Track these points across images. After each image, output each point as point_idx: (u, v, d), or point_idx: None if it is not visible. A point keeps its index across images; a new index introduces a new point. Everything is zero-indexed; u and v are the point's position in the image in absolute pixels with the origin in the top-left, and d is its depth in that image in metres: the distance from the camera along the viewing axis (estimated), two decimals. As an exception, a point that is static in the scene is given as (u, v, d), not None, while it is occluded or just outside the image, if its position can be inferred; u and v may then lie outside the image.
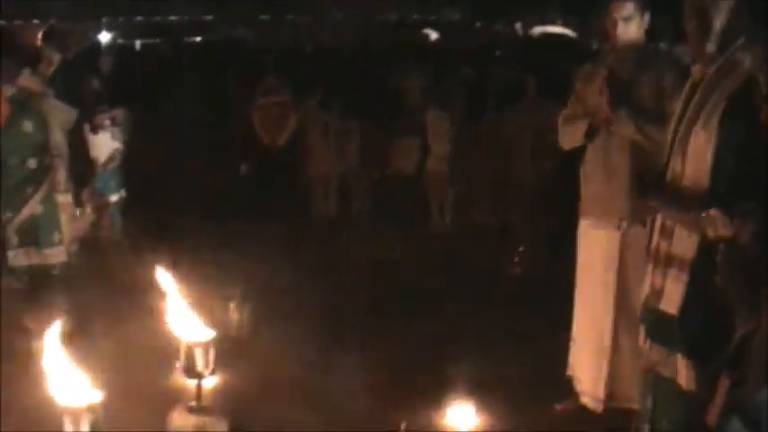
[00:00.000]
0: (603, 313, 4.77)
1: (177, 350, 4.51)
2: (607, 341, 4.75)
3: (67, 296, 6.34)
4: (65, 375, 3.37)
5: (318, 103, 9.91)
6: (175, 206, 8.42)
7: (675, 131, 3.33)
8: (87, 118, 7.83)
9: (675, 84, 4.13)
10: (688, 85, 3.36)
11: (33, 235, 7.08)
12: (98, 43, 17.17)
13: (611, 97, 4.56)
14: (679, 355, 3.22)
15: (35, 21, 17.54)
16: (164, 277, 4.95)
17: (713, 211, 2.96)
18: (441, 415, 4.82)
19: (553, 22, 18.93)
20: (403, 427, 4.35)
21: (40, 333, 3.63)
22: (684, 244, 3.19)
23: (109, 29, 22.31)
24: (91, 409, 3.31)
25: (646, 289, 3.42)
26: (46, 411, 3.55)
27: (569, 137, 4.90)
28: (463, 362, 5.22)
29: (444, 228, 9.59)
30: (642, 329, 3.49)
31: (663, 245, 3.31)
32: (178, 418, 4.56)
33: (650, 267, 3.39)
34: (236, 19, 23.83)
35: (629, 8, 4.59)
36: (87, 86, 8.08)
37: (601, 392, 4.79)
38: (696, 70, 3.33)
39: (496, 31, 21.14)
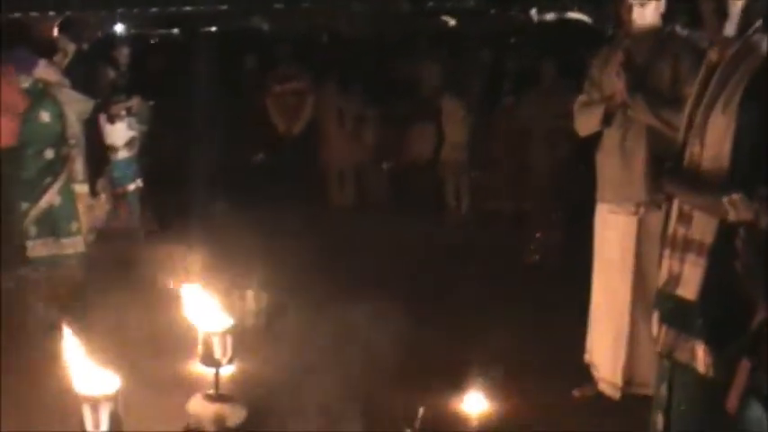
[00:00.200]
0: (621, 299, 4.76)
1: (195, 339, 4.54)
2: (625, 327, 4.74)
3: (85, 286, 6.37)
4: (83, 365, 3.38)
5: (334, 92, 9.90)
6: (192, 195, 8.43)
7: (691, 115, 3.30)
8: (103, 108, 7.85)
9: (692, 68, 4.10)
10: (704, 69, 3.33)
11: (51, 225, 7.11)
12: (113, 34, 17.21)
13: (627, 82, 4.54)
14: (697, 341, 3.20)
15: (51, 12, 17.59)
16: (180, 266, 4.97)
17: (736, 195, 2.94)
18: (458, 401, 4.85)
19: (568, 8, 18.85)
20: (420, 412, 4.36)
21: (67, 330, 3.64)
22: (703, 228, 3.17)
23: (124, 20, 22.36)
24: (109, 397, 3.33)
25: (662, 275, 3.39)
26: (65, 400, 3.58)
27: (585, 123, 4.88)
28: (479, 349, 5.22)
29: (460, 215, 9.58)
30: (656, 316, 3.47)
31: (680, 230, 3.28)
32: (196, 406, 4.58)
33: (667, 253, 3.36)
34: (251, 8, 23.83)
35: (644, -8, 4.57)
36: (103, 77, 8.10)
37: (619, 379, 4.79)
38: (712, 53, 3.30)
39: (511, 18, 21.05)
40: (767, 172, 2.95)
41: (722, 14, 3.20)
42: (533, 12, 20.15)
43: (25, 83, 6.95)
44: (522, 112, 8.45)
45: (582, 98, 4.93)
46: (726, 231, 3.05)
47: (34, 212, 7.03)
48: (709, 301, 3.16)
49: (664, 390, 3.41)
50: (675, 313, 3.32)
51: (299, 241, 7.32)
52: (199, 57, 9.85)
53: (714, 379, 3.11)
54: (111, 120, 7.98)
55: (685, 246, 3.26)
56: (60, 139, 7.16)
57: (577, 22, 17.13)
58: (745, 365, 2.84)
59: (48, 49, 7.51)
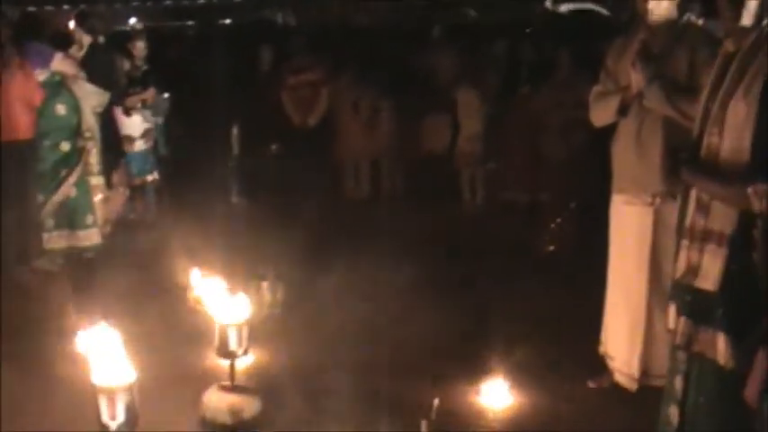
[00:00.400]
0: (637, 290, 4.74)
1: (211, 330, 4.55)
2: (641, 318, 4.73)
3: (101, 277, 6.40)
4: (99, 356, 3.40)
5: (349, 83, 9.89)
6: (207, 187, 8.44)
7: (707, 105, 3.29)
8: (119, 100, 7.88)
9: (708, 58, 4.07)
10: (719, 59, 3.31)
11: (67, 217, 7.17)
12: (129, 26, 17.23)
13: (643, 72, 4.51)
14: (718, 332, 3.19)
15: (66, 5, 17.65)
16: (195, 258, 4.99)
17: (761, 185, 2.92)
18: (473, 391, 4.85)
19: (584, -2, 18.79)
20: (435, 403, 4.37)
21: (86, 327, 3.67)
22: (722, 218, 3.16)
23: (139, 12, 22.41)
24: (125, 389, 3.34)
25: (680, 266, 3.38)
26: (80, 391, 3.59)
27: (601, 113, 4.86)
28: (494, 340, 5.22)
29: (475, 206, 9.57)
30: (673, 308, 3.45)
31: (699, 220, 3.26)
32: (212, 397, 4.60)
33: (685, 243, 3.34)
34: (266, 0, 23.79)
35: (661, -18, 4.54)
36: (119, 69, 8.13)
37: (635, 370, 4.77)
38: (728, 43, 3.29)
39: (527, 8, 20.97)
40: None
41: (739, 5, 3.18)
42: (549, 2, 20.07)
43: (41, 76, 6.99)
44: (537, 103, 8.42)
45: (597, 89, 4.91)
46: (746, 221, 3.04)
47: (50, 205, 7.08)
48: (730, 291, 3.15)
49: (679, 382, 3.39)
50: (694, 305, 3.30)
51: (315, 233, 7.32)
52: (213, 49, 9.85)
53: (734, 370, 3.10)
54: (127, 112, 8.01)
55: (704, 236, 3.25)
56: (76, 132, 7.20)
57: (593, 12, 17.07)
58: (763, 355, 2.84)
59: (64, 42, 7.55)
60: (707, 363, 3.24)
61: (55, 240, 7.15)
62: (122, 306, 5.47)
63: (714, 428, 3.26)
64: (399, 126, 9.97)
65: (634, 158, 4.67)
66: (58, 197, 7.09)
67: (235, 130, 9.40)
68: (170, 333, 5.63)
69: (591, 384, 5.01)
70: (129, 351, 3.38)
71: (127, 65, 8.23)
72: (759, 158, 3.03)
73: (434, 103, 9.86)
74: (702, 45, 4.48)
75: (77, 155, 7.19)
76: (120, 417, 3.30)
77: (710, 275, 3.21)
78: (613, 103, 4.72)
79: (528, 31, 12.46)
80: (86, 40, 7.83)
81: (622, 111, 4.68)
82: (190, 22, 17.51)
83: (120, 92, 7.94)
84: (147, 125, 8.16)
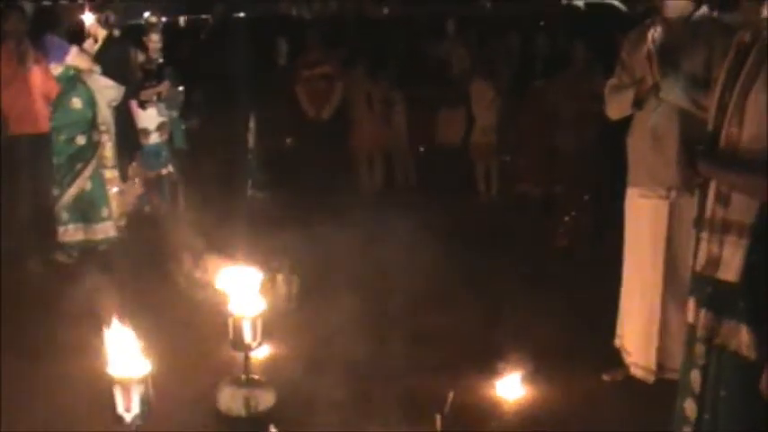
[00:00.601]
0: (652, 283, 4.72)
1: (226, 323, 4.56)
2: (656, 311, 4.71)
3: (116, 270, 6.43)
4: (115, 348, 3.41)
5: (363, 76, 9.88)
6: (222, 180, 8.45)
7: (722, 97, 3.26)
8: (134, 93, 7.90)
9: (724, 50, 4.05)
10: (734, 50, 3.29)
11: (83, 211, 7.20)
12: (143, 20, 17.24)
13: (658, 64, 4.49)
14: (741, 323, 3.17)
15: (81, 0, 17.64)
16: (212, 251, 5.00)
17: None
18: (488, 385, 4.85)
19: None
20: (450, 397, 4.37)
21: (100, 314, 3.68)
22: (742, 209, 3.14)
23: (153, 6, 22.40)
24: (140, 380, 3.35)
25: (700, 259, 3.35)
26: (96, 383, 3.61)
27: (617, 106, 4.84)
28: (509, 333, 5.21)
29: (490, 198, 9.56)
30: (692, 301, 3.43)
31: (719, 211, 3.24)
32: (226, 389, 4.61)
33: (705, 235, 3.31)
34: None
35: (676, -26, 4.51)
36: (133, 62, 8.14)
37: (652, 364, 4.76)
38: (745, 35, 3.26)
39: (542, 0, 20.86)
40: None
41: (759, -4, 3.17)
42: (565, -6, 19.95)
43: (57, 70, 7.01)
44: (552, 95, 8.39)
45: (613, 81, 4.89)
46: (767, 211, 3.03)
47: (66, 198, 7.11)
48: (751, 281, 3.13)
49: (696, 376, 3.37)
50: (715, 297, 3.28)
51: (329, 225, 7.31)
52: (228, 42, 9.85)
53: (757, 362, 3.08)
54: (142, 105, 8.03)
55: (724, 227, 3.23)
56: (91, 126, 7.23)
57: (608, 4, 16.96)
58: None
59: (79, 36, 7.57)
60: (727, 355, 3.22)
61: (70, 233, 7.19)
62: (137, 298, 5.48)
63: (736, 421, 3.24)
64: (413, 119, 9.97)
65: (649, 151, 4.65)
66: (73, 190, 7.12)
67: (251, 123, 9.40)
68: (185, 325, 5.65)
69: (605, 377, 5.00)
70: (143, 343, 3.39)
71: (142, 58, 8.24)
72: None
73: (449, 96, 9.84)
74: (719, 37, 4.44)
75: (93, 148, 7.22)
76: (135, 408, 3.32)
77: (732, 267, 3.19)
78: (629, 96, 4.69)
79: (542, 23, 12.42)
80: (101, 33, 7.85)
81: (638, 103, 4.66)
82: (204, 16, 17.47)
83: (135, 85, 7.95)
84: (161, 118, 8.17)
